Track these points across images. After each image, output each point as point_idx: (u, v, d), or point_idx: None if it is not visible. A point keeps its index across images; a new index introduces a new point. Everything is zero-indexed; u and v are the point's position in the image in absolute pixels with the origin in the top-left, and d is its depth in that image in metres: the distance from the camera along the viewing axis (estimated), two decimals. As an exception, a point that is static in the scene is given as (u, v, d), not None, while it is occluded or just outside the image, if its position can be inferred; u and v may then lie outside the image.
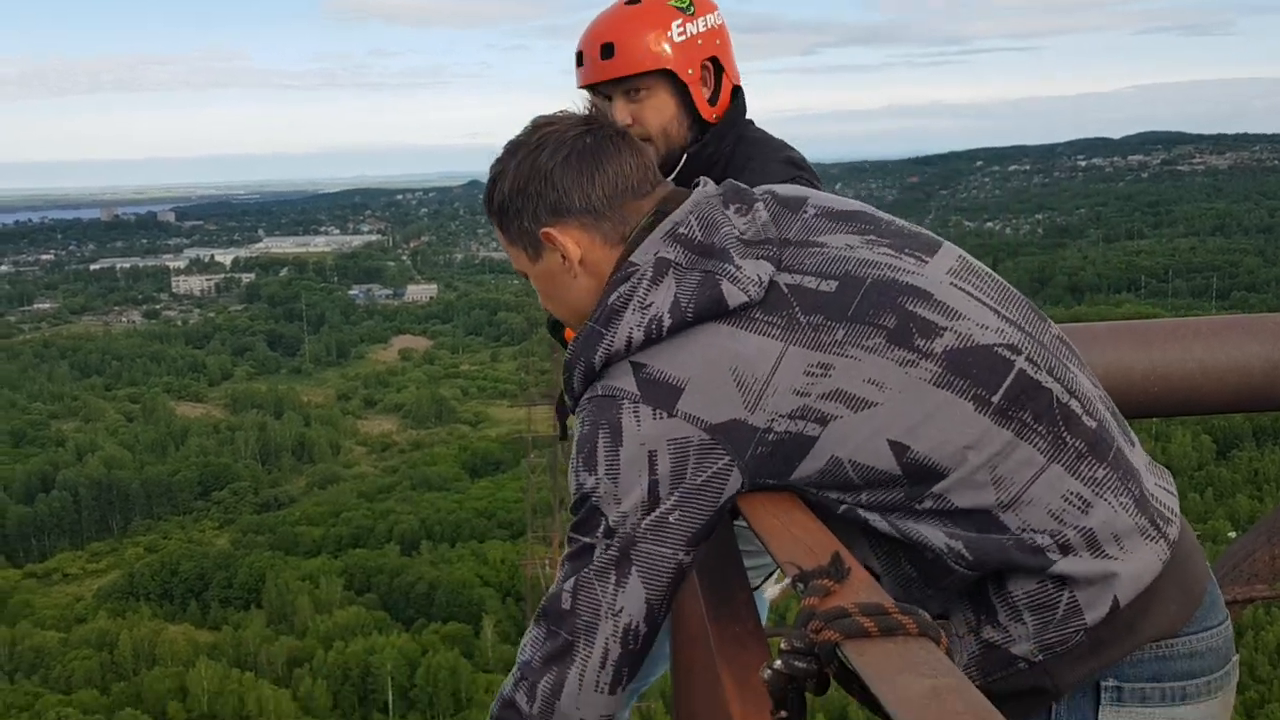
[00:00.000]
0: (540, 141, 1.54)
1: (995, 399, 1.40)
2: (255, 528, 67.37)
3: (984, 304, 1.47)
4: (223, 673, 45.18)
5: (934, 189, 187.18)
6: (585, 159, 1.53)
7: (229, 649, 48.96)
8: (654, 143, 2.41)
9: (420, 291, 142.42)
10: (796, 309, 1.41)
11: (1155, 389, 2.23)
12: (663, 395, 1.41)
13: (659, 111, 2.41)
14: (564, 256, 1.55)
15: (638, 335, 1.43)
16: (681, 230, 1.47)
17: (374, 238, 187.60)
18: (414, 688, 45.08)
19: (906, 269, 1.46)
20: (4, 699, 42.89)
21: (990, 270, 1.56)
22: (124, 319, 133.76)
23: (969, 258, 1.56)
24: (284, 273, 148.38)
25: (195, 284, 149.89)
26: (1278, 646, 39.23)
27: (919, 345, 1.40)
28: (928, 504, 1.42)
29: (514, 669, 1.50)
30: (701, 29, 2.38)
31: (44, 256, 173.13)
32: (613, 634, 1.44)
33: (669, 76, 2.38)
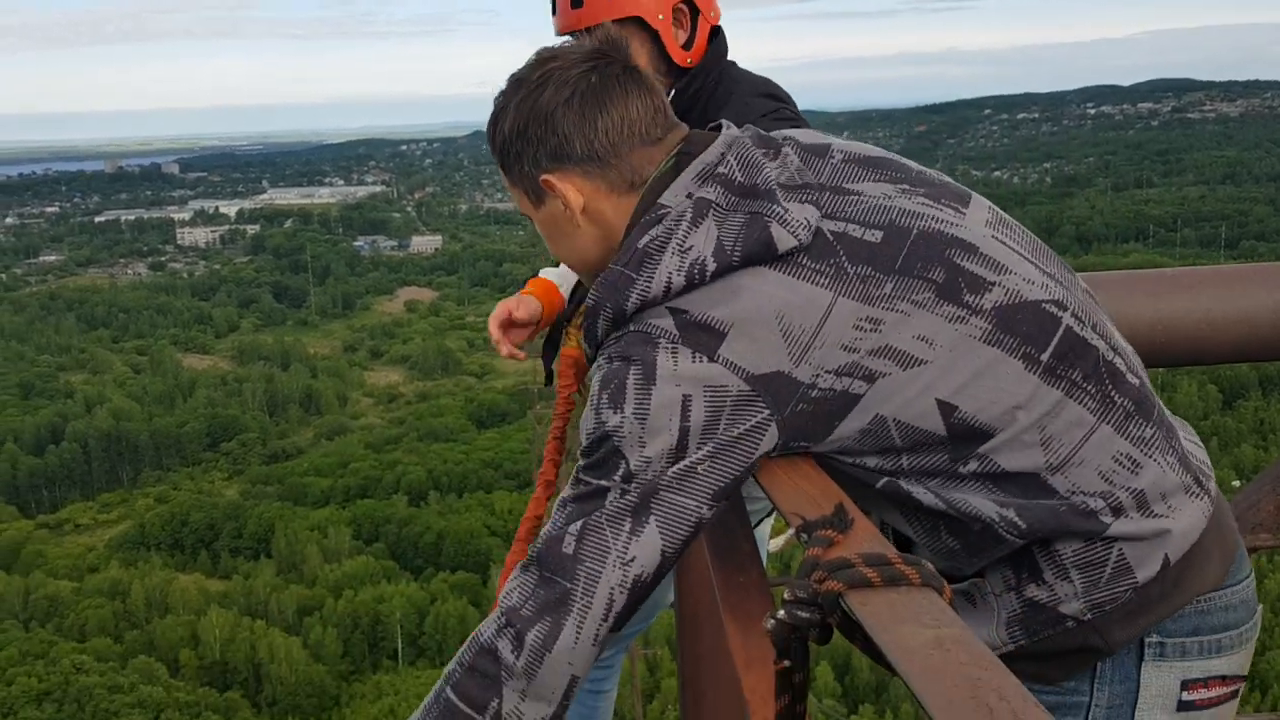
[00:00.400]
0: (542, 79, 1.44)
1: (1044, 357, 1.35)
2: (264, 478, 67.86)
3: (1024, 257, 1.42)
4: (234, 621, 45.75)
5: (941, 138, 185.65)
6: (589, 101, 1.42)
7: (239, 598, 49.52)
8: None
9: (425, 243, 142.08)
10: (843, 258, 1.34)
11: (1162, 339, 2.21)
12: (704, 338, 1.32)
13: (636, 57, 2.41)
14: (565, 205, 1.46)
15: (678, 280, 1.34)
16: (721, 170, 1.38)
17: (379, 189, 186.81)
18: (422, 635, 45.63)
19: (948, 220, 1.40)
20: (19, 647, 43.45)
21: (1020, 224, 1.51)
22: (130, 271, 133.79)
23: (1000, 211, 1.51)
24: (289, 224, 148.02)
25: (200, 236, 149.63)
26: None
27: (968, 301, 1.35)
28: (972, 465, 1.37)
29: (495, 614, 1.38)
30: None
31: (49, 209, 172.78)
32: (619, 583, 1.34)
33: (639, 22, 2.34)
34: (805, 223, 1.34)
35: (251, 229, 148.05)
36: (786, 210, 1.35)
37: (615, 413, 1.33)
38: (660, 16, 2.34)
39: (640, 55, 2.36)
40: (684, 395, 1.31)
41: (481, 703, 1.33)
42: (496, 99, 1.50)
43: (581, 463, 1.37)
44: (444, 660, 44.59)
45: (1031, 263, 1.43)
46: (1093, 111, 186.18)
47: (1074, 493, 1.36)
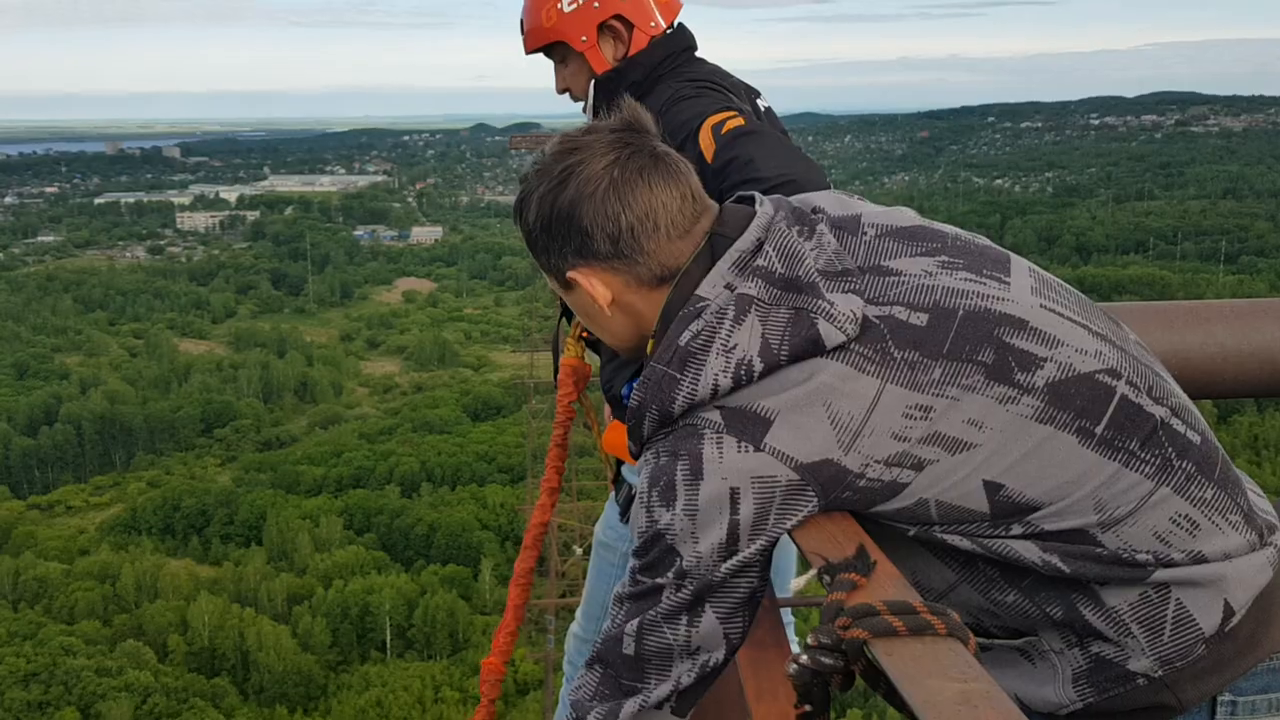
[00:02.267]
0: (565, 174, 1.40)
1: (1099, 429, 1.31)
2: (257, 466, 67.70)
3: (1075, 322, 1.38)
4: (223, 607, 45.63)
5: (944, 144, 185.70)
6: (612, 197, 1.38)
7: (229, 585, 49.40)
8: (585, 105, 2.51)
9: (425, 234, 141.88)
10: (890, 343, 1.31)
11: (1175, 371, 2.19)
12: (750, 427, 1.29)
13: (577, 77, 2.49)
14: (592, 298, 1.44)
15: (725, 381, 1.30)
16: (760, 262, 1.35)
17: (380, 178, 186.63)
18: (412, 628, 45.54)
19: (993, 295, 1.36)
20: (8, 627, 43.39)
21: (1059, 279, 1.47)
22: (128, 254, 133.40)
23: (1038, 269, 1.46)
24: (289, 211, 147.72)
25: (200, 220, 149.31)
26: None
27: (1019, 380, 1.31)
28: (1015, 530, 1.34)
29: (563, 709, 1.44)
30: None
31: (48, 189, 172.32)
32: (686, 671, 1.35)
33: (568, 45, 2.44)
34: (852, 315, 1.30)
35: (251, 215, 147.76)
36: (832, 304, 1.30)
37: (666, 510, 1.31)
38: (584, 39, 2.42)
39: (582, 74, 2.47)
40: (732, 489, 1.28)
41: None
42: (521, 181, 1.47)
43: (635, 562, 1.36)
44: (432, 653, 44.70)
45: (1082, 327, 1.38)
46: (1096, 122, 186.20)
47: (1123, 549, 1.33)
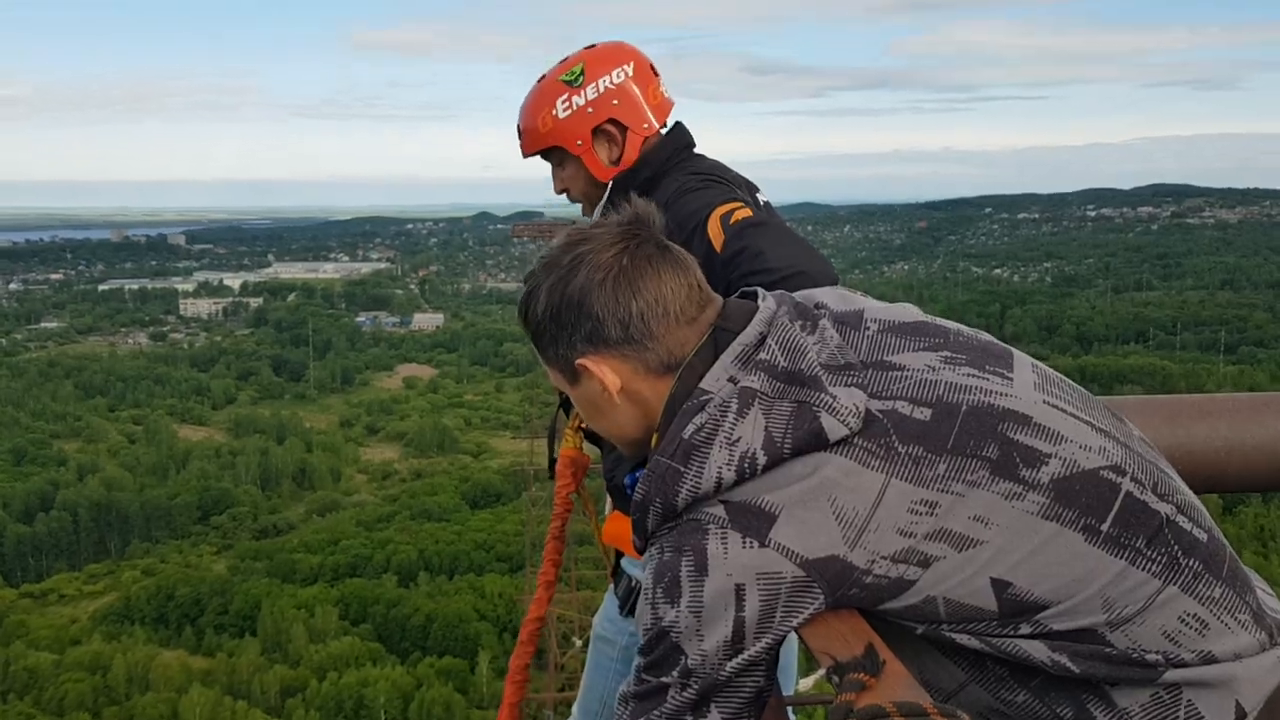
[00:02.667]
0: (574, 263, 1.41)
1: (1105, 527, 1.31)
2: (253, 554, 67.04)
3: (1078, 419, 1.38)
4: (215, 700, 44.78)
5: (942, 234, 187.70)
6: (622, 283, 1.39)
7: (222, 676, 48.57)
8: (583, 205, 2.58)
9: (427, 320, 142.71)
10: (894, 438, 1.30)
11: (1180, 465, 2.18)
12: (755, 522, 1.28)
13: (574, 179, 2.56)
14: (602, 386, 1.43)
15: (728, 474, 1.30)
16: (763, 356, 1.35)
17: (383, 265, 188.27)
18: (406, 721, 44.66)
19: (997, 390, 1.36)
20: (-6, 720, 42.60)
21: (1062, 375, 1.48)
22: (130, 340, 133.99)
23: (1040, 364, 1.47)
24: (292, 297, 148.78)
25: (203, 307, 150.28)
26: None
27: (1024, 476, 1.30)
28: (1024, 630, 1.32)
29: None
30: (591, 96, 2.46)
31: (53, 276, 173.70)
32: None
33: (564, 149, 2.51)
34: (854, 409, 1.30)
35: (255, 302, 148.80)
36: (835, 398, 1.30)
37: (671, 608, 1.29)
38: (579, 142, 2.48)
39: (580, 176, 2.54)
40: (737, 585, 1.27)
41: None
42: (527, 279, 1.47)
43: (640, 660, 1.35)
44: (426, 749, 43.68)
45: (1086, 423, 1.38)
46: (1092, 214, 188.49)
47: (1133, 649, 1.31)
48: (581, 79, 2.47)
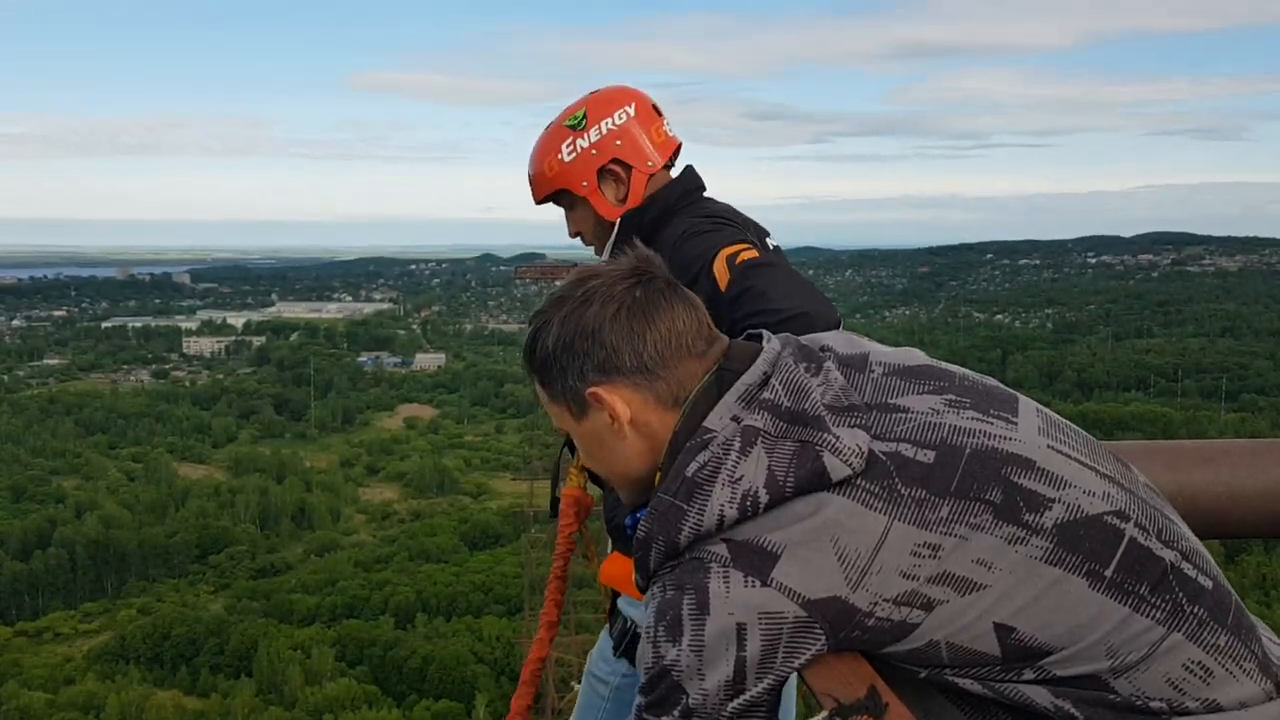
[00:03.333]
0: (586, 295, 1.43)
1: (1108, 573, 1.30)
2: (250, 593, 66.63)
3: (1082, 464, 1.38)
4: (209, 741, 44.33)
5: (944, 279, 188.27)
6: (635, 315, 1.41)
7: (216, 718, 48.10)
8: (596, 247, 2.61)
9: (429, 360, 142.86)
10: (897, 480, 1.31)
11: (1183, 510, 2.17)
12: (757, 561, 1.28)
13: (584, 220, 2.61)
14: (612, 417, 1.43)
15: (731, 512, 1.30)
16: (766, 395, 1.36)
17: (386, 305, 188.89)
18: (402, 766, 44.14)
19: (1000, 434, 1.36)
20: (-15, 760, 42.11)
21: (1067, 421, 1.47)
22: (132, 378, 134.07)
23: (1045, 409, 1.47)
24: (294, 337, 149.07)
25: (206, 345, 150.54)
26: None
27: (1028, 520, 1.30)
28: (1027, 675, 1.32)
29: None
30: (594, 139, 2.52)
31: (56, 312, 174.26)
32: None
33: (571, 191, 2.56)
34: (857, 449, 1.30)
35: (257, 340, 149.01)
36: (838, 438, 1.31)
37: (672, 646, 1.29)
38: (584, 184, 2.54)
39: (589, 217, 2.58)
40: (739, 624, 1.27)
41: None
42: (534, 317, 1.48)
43: (641, 699, 1.34)
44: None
45: (1090, 468, 1.38)
46: (1093, 261, 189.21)
47: (1137, 696, 1.30)
48: (584, 122, 2.53)
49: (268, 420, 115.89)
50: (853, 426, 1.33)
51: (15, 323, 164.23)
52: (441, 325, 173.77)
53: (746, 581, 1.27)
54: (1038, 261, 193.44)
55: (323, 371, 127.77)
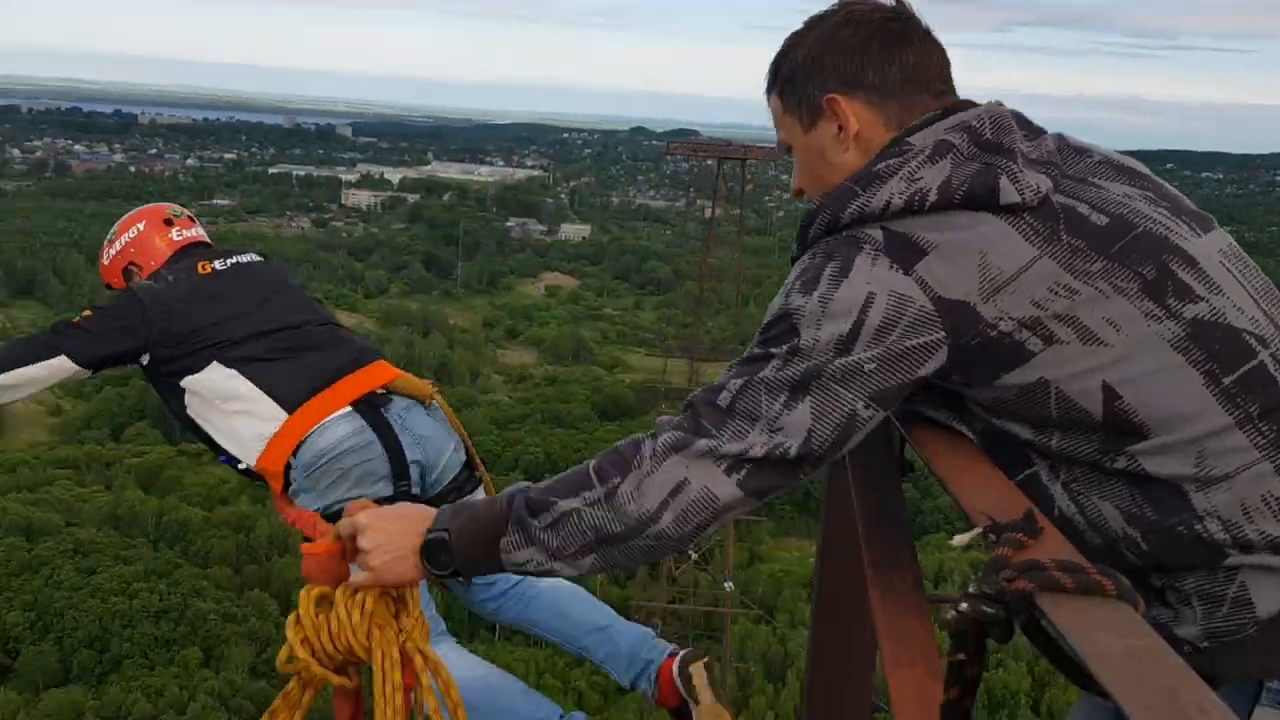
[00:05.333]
0: (847, 17, 1.52)
1: (1227, 381, 1.33)
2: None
3: (1246, 290, 1.42)
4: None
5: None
6: (889, 41, 1.50)
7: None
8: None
9: (574, 231, 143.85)
10: (1062, 227, 1.37)
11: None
12: (906, 253, 1.36)
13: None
14: (840, 127, 1.51)
15: (897, 202, 1.39)
16: (972, 123, 1.44)
17: (536, 173, 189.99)
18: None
19: (1180, 233, 1.42)
20: (146, 565, 45.64)
21: (1257, 265, 1.50)
22: (294, 224, 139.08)
23: (1238, 245, 1.51)
24: (447, 197, 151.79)
25: (364, 198, 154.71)
26: None
27: (1170, 304, 1.35)
28: (1120, 463, 1.36)
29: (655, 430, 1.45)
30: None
31: (227, 155, 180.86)
32: (761, 444, 1.38)
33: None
34: (1035, 187, 1.37)
35: (412, 197, 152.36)
36: (1021, 171, 1.38)
37: (803, 296, 1.39)
38: None
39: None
40: (869, 293, 1.35)
41: (606, 477, 1.42)
42: (789, 38, 1.56)
43: (758, 335, 1.43)
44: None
45: (1251, 297, 1.42)
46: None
47: (1209, 514, 1.32)
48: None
49: (417, 276, 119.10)
50: (1040, 173, 1.40)
51: (190, 161, 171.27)
52: (589, 196, 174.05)
53: (892, 265, 1.36)
54: (1220, 176, 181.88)
55: (471, 233, 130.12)
